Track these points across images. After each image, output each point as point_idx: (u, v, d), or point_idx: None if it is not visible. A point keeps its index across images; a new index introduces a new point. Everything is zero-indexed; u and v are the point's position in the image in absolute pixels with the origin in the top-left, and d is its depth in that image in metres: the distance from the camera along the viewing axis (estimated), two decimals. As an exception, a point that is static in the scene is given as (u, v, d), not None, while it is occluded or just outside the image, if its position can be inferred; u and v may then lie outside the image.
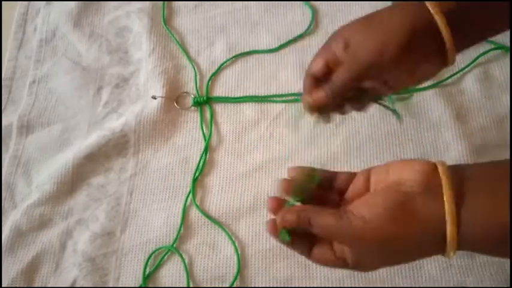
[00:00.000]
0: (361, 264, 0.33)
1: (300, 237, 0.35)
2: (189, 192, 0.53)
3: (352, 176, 0.35)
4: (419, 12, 0.35)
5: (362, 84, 0.38)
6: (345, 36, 0.38)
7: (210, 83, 0.60)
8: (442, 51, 0.36)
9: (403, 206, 0.30)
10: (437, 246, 0.30)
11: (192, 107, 0.58)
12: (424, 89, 0.56)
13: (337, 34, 0.39)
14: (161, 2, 0.66)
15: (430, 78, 0.40)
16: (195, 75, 0.60)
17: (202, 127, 0.57)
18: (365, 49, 0.36)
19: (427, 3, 0.35)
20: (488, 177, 0.31)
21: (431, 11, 0.35)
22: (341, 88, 0.39)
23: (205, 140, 0.56)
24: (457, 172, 0.31)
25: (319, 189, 0.36)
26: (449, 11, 0.35)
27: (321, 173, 0.36)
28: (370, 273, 0.48)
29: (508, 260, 0.47)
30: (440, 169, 0.31)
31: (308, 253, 0.35)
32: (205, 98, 0.58)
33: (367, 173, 0.34)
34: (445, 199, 0.29)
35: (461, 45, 0.37)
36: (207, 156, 0.56)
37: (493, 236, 0.29)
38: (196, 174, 0.55)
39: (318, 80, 0.40)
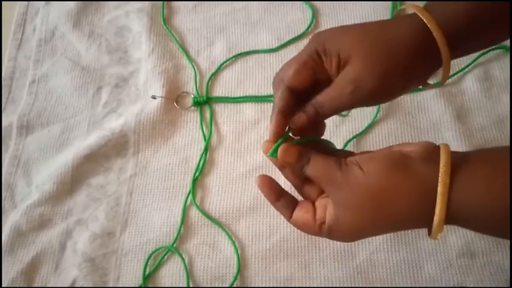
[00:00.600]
0: (339, 227, 0.32)
1: (286, 198, 0.36)
2: (189, 192, 0.53)
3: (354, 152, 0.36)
4: (415, 27, 0.33)
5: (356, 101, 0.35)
6: (339, 48, 0.34)
7: (210, 83, 0.60)
8: (435, 64, 0.34)
9: (401, 165, 0.31)
10: (426, 215, 0.30)
11: (192, 107, 0.58)
12: (425, 89, 0.56)
13: (330, 41, 0.34)
14: (161, 1, 0.66)
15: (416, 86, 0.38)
16: (195, 75, 0.60)
17: (202, 127, 0.57)
18: (367, 80, 0.33)
19: (425, 18, 0.33)
20: (490, 160, 0.31)
21: (428, 25, 0.33)
22: (329, 114, 0.35)
23: (205, 140, 0.56)
24: (459, 153, 0.31)
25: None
26: (448, 25, 0.33)
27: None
28: (370, 273, 0.48)
29: (508, 260, 0.47)
30: (442, 147, 0.31)
31: (289, 216, 0.35)
32: (205, 98, 0.58)
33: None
34: (440, 167, 0.29)
35: (455, 55, 0.35)
36: (207, 156, 0.56)
37: (486, 216, 0.29)
38: (196, 174, 0.55)
39: (294, 93, 0.36)
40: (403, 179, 0.30)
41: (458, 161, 0.30)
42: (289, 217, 0.36)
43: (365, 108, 0.56)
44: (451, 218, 0.30)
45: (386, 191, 0.31)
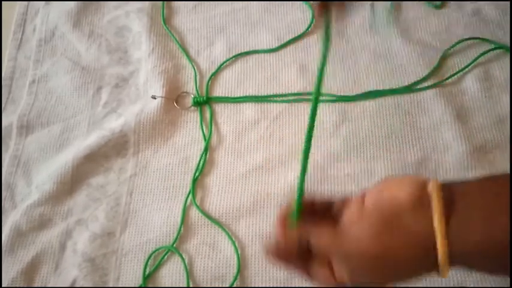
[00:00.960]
0: (358, 284, 0.32)
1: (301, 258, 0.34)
2: (189, 193, 0.53)
3: (347, 200, 0.35)
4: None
5: None
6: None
7: (210, 83, 0.60)
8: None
9: (391, 223, 0.30)
10: (431, 264, 0.29)
11: (192, 107, 0.58)
12: (425, 89, 0.56)
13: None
14: (160, 1, 0.66)
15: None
16: (195, 75, 0.60)
17: (202, 127, 0.57)
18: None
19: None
20: (485, 193, 0.29)
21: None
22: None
23: (205, 140, 0.56)
24: (451, 188, 0.30)
25: (316, 214, 0.35)
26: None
27: (317, 201, 0.36)
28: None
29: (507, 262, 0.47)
30: (431, 185, 0.30)
31: (308, 272, 0.34)
32: (205, 98, 0.58)
33: (362, 195, 0.33)
34: (434, 214, 0.29)
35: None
36: (207, 156, 0.56)
37: (487, 254, 0.28)
38: (196, 174, 0.54)
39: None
40: (397, 241, 0.30)
41: (453, 197, 0.29)
42: (306, 271, 0.34)
43: (366, 107, 0.56)
44: (454, 260, 0.29)
45: (382, 257, 0.30)
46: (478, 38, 0.59)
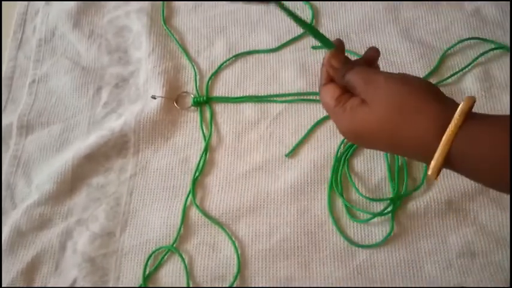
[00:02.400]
0: (363, 115, 0.35)
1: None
2: (189, 192, 0.53)
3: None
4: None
5: None
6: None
7: (210, 83, 0.60)
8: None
9: (431, 92, 0.34)
10: (431, 141, 0.32)
11: (192, 107, 0.58)
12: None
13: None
14: (160, 2, 0.66)
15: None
16: (195, 75, 0.60)
17: (202, 127, 0.57)
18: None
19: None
20: (503, 124, 0.32)
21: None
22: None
23: (205, 140, 0.56)
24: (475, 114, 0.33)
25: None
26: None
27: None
28: (370, 273, 0.48)
29: (508, 260, 0.47)
30: (459, 107, 0.33)
31: (325, 82, 0.40)
32: (205, 98, 0.58)
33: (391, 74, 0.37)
34: (459, 108, 0.32)
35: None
36: (207, 156, 0.56)
37: (486, 166, 0.31)
38: (196, 174, 0.55)
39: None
40: (427, 103, 0.33)
41: (475, 115, 0.33)
42: (324, 83, 0.40)
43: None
44: (451, 157, 0.31)
45: (411, 103, 0.33)
46: (478, 38, 0.59)
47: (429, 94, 0.34)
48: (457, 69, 0.57)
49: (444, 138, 0.31)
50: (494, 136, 0.31)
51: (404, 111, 0.33)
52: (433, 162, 0.32)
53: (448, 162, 0.32)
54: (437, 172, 0.32)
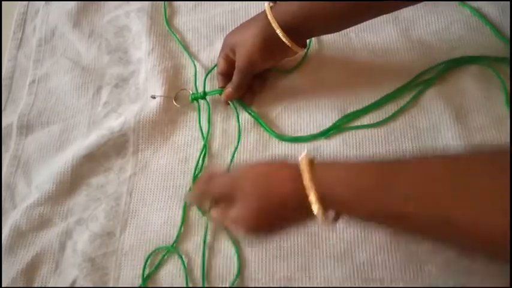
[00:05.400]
0: (243, 216, 0.39)
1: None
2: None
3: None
4: (266, 26, 0.49)
5: (251, 74, 0.54)
6: (229, 43, 0.54)
7: (207, 78, 0.59)
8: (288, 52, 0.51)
9: (277, 163, 0.40)
10: (305, 212, 0.36)
11: (191, 104, 0.58)
12: (424, 89, 0.56)
13: (225, 41, 0.55)
14: (161, 2, 0.66)
15: (295, 55, 0.54)
16: (195, 72, 0.60)
17: (200, 123, 0.57)
18: (241, 58, 0.52)
19: (270, 19, 0.49)
20: (344, 162, 0.38)
21: (273, 25, 0.49)
22: (239, 83, 0.54)
23: (203, 137, 0.56)
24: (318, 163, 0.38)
25: None
26: (286, 23, 0.49)
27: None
28: (370, 273, 0.48)
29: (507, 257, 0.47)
30: (302, 158, 0.37)
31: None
32: (202, 93, 0.57)
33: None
34: (303, 173, 0.36)
35: (304, 40, 0.52)
36: (207, 153, 0.55)
37: (350, 195, 0.35)
38: (196, 173, 0.54)
39: (226, 75, 0.55)
40: (279, 166, 0.39)
41: (315, 165, 0.37)
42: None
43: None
44: (324, 199, 0.35)
45: (268, 174, 0.39)
46: (476, 57, 0.58)
47: (276, 164, 0.41)
48: (457, 69, 0.57)
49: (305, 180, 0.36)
50: (344, 166, 0.36)
51: (265, 185, 0.39)
52: (314, 207, 0.35)
53: (332, 207, 0.36)
54: (323, 210, 0.35)
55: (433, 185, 0.31)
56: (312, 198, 0.35)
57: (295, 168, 0.37)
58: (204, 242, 0.51)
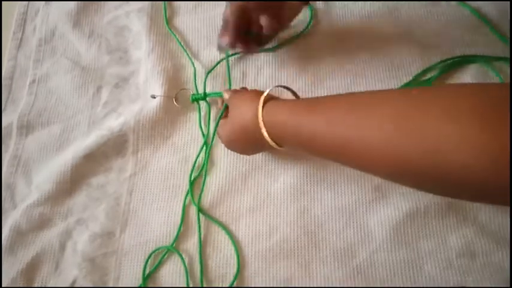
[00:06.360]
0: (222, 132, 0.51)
1: None
2: (187, 194, 0.53)
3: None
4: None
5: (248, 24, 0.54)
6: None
7: (207, 79, 0.59)
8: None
9: (244, 100, 0.47)
10: (266, 143, 0.44)
11: (191, 104, 0.58)
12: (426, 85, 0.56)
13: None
14: (161, 2, 0.66)
15: (294, 17, 0.56)
16: (194, 72, 0.60)
17: (200, 124, 0.57)
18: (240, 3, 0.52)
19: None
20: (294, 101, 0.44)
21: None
22: (233, 28, 0.53)
23: (203, 136, 0.56)
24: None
25: None
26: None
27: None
28: (370, 273, 0.48)
29: (508, 260, 0.47)
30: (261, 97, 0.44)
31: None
32: (202, 94, 0.57)
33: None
34: (258, 108, 0.43)
35: None
36: (208, 155, 0.55)
37: (290, 130, 0.41)
38: (196, 174, 0.54)
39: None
40: (252, 97, 0.46)
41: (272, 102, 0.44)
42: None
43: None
44: (268, 127, 0.43)
45: (243, 101, 0.47)
46: (477, 56, 0.58)
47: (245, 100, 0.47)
48: (457, 69, 0.57)
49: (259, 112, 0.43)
50: (286, 107, 0.42)
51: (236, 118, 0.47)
52: (265, 133, 0.43)
53: (272, 138, 0.43)
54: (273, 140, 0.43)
55: (332, 113, 0.37)
56: (261, 123, 0.43)
57: (257, 102, 0.44)
58: (200, 243, 0.51)
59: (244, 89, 0.54)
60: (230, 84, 0.58)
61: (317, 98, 0.43)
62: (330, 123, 0.36)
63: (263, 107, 0.43)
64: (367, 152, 0.33)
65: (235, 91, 0.52)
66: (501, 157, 0.26)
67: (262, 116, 0.43)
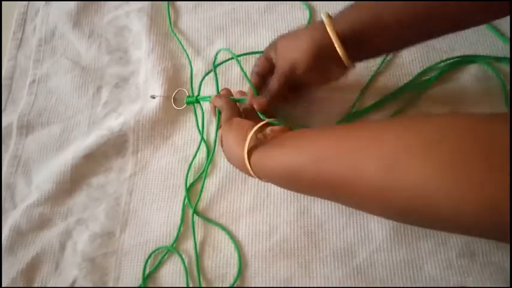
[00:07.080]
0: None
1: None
2: (185, 197, 0.53)
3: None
4: (321, 35, 0.45)
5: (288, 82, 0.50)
6: (277, 47, 0.50)
7: (207, 79, 0.59)
8: (341, 62, 0.46)
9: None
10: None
11: (186, 106, 0.58)
12: (424, 88, 0.56)
13: (274, 41, 0.51)
14: (160, 2, 0.66)
15: (339, 79, 0.50)
16: (191, 74, 0.60)
17: (198, 126, 0.57)
18: (285, 63, 0.48)
19: (327, 28, 0.44)
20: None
21: (330, 33, 0.44)
22: (276, 89, 0.49)
23: (200, 133, 0.56)
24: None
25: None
26: (343, 34, 0.44)
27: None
28: (370, 273, 0.48)
29: (508, 260, 0.47)
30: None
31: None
32: (195, 98, 0.57)
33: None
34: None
35: (358, 57, 0.47)
36: (208, 158, 0.56)
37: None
38: (195, 176, 0.54)
39: (262, 76, 0.52)
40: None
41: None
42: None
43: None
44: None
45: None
46: (477, 56, 0.58)
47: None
48: (457, 69, 0.57)
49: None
50: (272, 155, 0.42)
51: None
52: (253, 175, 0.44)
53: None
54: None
55: (321, 147, 0.37)
56: (250, 171, 0.43)
57: (243, 146, 0.44)
58: (195, 246, 0.51)
59: (240, 92, 0.54)
60: (218, 91, 0.56)
61: (303, 132, 0.42)
62: (316, 162, 0.37)
63: (250, 155, 0.43)
64: (359, 191, 0.34)
65: (227, 101, 0.51)
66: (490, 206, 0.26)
67: (250, 166, 0.43)
